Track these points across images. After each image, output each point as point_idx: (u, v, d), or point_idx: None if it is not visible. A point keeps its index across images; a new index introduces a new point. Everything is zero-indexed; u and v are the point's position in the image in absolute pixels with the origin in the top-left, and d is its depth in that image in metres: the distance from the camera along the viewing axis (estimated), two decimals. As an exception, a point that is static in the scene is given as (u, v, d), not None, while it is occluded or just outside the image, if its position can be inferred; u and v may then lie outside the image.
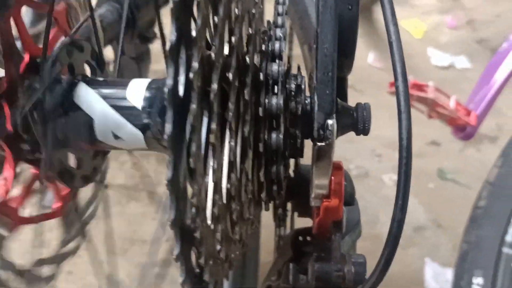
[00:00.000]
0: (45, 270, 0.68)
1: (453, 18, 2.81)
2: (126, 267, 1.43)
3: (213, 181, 0.41)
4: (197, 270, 0.45)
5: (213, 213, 0.42)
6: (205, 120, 0.43)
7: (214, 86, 0.40)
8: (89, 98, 0.55)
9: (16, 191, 0.59)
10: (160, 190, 1.67)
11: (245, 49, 0.47)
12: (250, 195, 0.49)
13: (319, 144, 0.51)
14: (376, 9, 2.61)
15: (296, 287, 0.63)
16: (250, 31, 0.50)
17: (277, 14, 0.59)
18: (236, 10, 0.46)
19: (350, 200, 0.70)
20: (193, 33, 0.38)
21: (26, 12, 0.87)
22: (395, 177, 1.94)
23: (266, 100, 0.49)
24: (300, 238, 0.71)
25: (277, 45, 0.51)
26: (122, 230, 1.53)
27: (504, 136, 2.19)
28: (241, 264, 1.25)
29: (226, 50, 0.45)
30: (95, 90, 0.55)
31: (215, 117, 0.40)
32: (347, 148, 2.00)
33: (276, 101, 0.49)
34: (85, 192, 0.79)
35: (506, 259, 1.33)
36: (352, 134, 0.57)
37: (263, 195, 0.53)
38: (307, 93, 0.55)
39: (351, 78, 0.66)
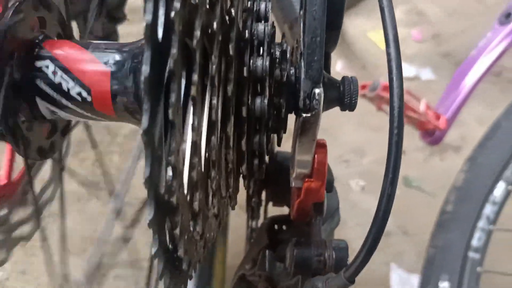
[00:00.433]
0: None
1: (418, 31, 2.86)
2: (84, 267, 1.35)
3: (192, 141, 0.37)
4: (170, 246, 0.40)
5: (191, 178, 0.38)
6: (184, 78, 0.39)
7: (197, 32, 0.36)
8: (52, 59, 0.50)
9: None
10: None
11: (229, 3, 0.44)
12: (230, 165, 0.45)
13: (304, 115, 0.48)
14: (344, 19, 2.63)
15: (273, 274, 0.58)
16: None
17: None
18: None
19: (328, 187, 0.66)
20: None
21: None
22: (362, 182, 1.94)
23: (251, 61, 0.45)
24: (276, 226, 0.67)
25: (262, 5, 0.48)
26: (81, 229, 1.45)
27: (467, 146, 2.23)
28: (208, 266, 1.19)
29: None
30: (59, 51, 0.50)
31: (197, 68, 0.36)
32: (314, 153, 1.98)
33: (261, 62, 0.45)
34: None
35: (472, 263, 1.34)
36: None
37: (243, 167, 0.49)
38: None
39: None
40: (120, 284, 1.37)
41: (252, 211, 0.74)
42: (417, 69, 2.57)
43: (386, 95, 1.42)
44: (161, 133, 0.35)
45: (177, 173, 0.36)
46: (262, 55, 0.46)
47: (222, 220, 0.50)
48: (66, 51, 0.50)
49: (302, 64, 0.47)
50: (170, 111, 0.33)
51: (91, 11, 0.67)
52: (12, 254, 0.68)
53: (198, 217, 0.42)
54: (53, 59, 0.50)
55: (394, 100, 0.44)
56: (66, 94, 0.50)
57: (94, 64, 0.48)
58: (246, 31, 0.45)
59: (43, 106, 0.52)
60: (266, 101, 0.46)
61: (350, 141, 2.01)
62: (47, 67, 0.50)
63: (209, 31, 0.39)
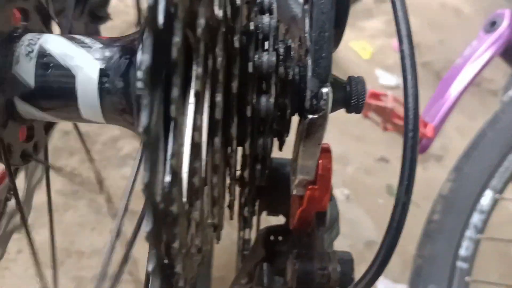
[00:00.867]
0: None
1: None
2: (61, 281, 1.28)
3: (194, 143, 0.33)
4: (166, 261, 0.36)
5: (191, 184, 0.34)
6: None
7: (201, 21, 0.32)
8: (36, 54, 0.45)
9: None
10: (101, 199, 1.53)
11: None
12: (233, 169, 0.41)
13: (310, 116, 0.44)
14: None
15: (272, 289, 0.54)
16: None
17: None
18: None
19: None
20: None
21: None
22: (346, 191, 1.91)
23: (256, 56, 0.41)
24: (272, 237, 0.63)
25: (267, -4, 0.44)
26: (58, 241, 1.38)
27: (449, 156, 2.24)
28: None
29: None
30: (45, 45, 0.45)
31: (201, 61, 0.32)
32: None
33: (267, 58, 0.41)
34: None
35: (460, 273, 1.32)
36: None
37: (245, 173, 0.44)
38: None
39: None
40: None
41: (245, 221, 0.70)
42: (398, 78, 2.58)
43: (374, 102, 1.40)
44: (161, 132, 0.30)
45: (178, 179, 0.32)
46: (268, 50, 0.42)
47: (219, 232, 0.45)
48: (51, 45, 0.45)
49: (309, 61, 0.43)
50: (172, 108, 0.29)
51: (69, 7, 0.62)
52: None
53: (197, 229, 0.37)
54: (37, 54, 0.45)
55: (409, 101, 0.41)
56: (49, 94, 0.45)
57: (82, 59, 0.43)
58: (251, 23, 0.41)
59: (22, 106, 0.47)
60: (272, 100, 0.42)
61: (333, 149, 1.99)
62: (29, 62, 0.45)
63: (210, 22, 0.36)
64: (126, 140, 1.78)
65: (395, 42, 2.84)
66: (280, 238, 0.63)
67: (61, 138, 1.65)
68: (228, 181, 0.47)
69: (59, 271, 1.31)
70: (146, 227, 0.30)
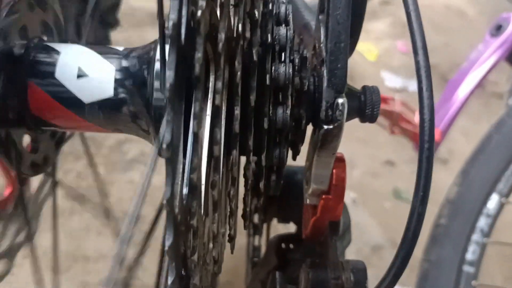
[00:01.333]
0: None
1: (404, 43, 2.88)
2: (68, 286, 1.29)
3: (214, 156, 0.33)
4: (183, 273, 0.36)
5: (211, 197, 0.34)
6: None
7: (222, 35, 0.32)
8: (56, 65, 0.45)
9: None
10: (107, 203, 1.54)
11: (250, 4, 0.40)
12: (250, 180, 0.41)
13: (326, 127, 0.44)
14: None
15: (285, 298, 0.54)
16: None
17: None
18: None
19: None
20: None
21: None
22: (352, 194, 1.91)
23: (273, 68, 0.41)
24: (283, 245, 0.63)
25: (283, 7, 0.44)
26: (64, 245, 1.38)
27: (454, 159, 2.23)
28: None
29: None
30: (62, 56, 0.45)
31: (222, 74, 0.32)
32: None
33: (284, 69, 0.41)
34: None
35: (467, 277, 1.32)
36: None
37: (261, 184, 0.44)
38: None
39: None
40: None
41: (255, 228, 0.70)
42: (403, 80, 2.58)
43: (381, 106, 1.40)
44: (181, 147, 0.31)
45: (198, 192, 0.32)
46: (284, 61, 0.42)
47: (234, 243, 0.45)
48: (71, 55, 0.45)
49: (324, 72, 0.43)
50: (193, 123, 0.29)
51: (87, 14, 0.63)
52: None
53: (215, 241, 0.37)
54: (56, 64, 0.45)
55: (425, 113, 0.41)
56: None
57: (99, 68, 0.44)
58: (269, 35, 0.42)
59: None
60: (288, 111, 0.42)
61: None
62: (50, 71, 0.45)
63: (229, 35, 0.36)
64: (132, 144, 1.79)
65: (400, 44, 2.83)
66: (291, 246, 0.63)
67: (67, 142, 1.65)
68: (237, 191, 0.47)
69: (65, 277, 1.32)
70: (167, 241, 0.30)
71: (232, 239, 0.42)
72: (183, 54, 0.29)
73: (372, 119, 0.48)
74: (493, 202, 1.36)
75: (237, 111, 0.35)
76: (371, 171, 2.03)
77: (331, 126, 0.44)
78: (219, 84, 0.32)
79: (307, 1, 0.68)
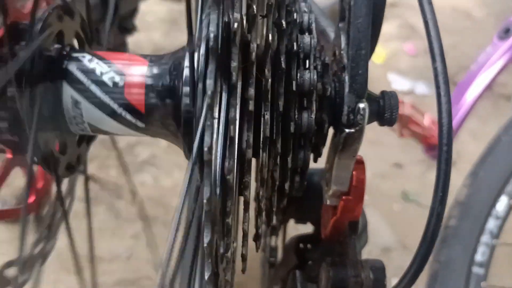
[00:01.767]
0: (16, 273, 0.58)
1: (411, 45, 2.89)
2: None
3: (247, 159, 0.35)
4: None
5: (245, 196, 0.36)
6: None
7: (254, 45, 0.34)
8: (83, 73, 0.48)
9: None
10: (119, 204, 1.56)
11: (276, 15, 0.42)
12: (277, 182, 0.43)
13: (347, 130, 0.46)
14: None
15: (305, 296, 0.56)
16: None
17: None
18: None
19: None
20: None
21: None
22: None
23: (298, 75, 0.43)
24: (301, 245, 0.65)
25: (306, 16, 0.46)
26: (78, 246, 1.40)
27: (462, 160, 2.24)
28: None
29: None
30: (92, 64, 0.48)
31: (253, 82, 0.34)
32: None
33: (309, 76, 0.43)
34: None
35: (476, 278, 1.33)
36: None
37: (286, 185, 0.46)
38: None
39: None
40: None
41: (272, 229, 0.72)
42: (411, 83, 2.58)
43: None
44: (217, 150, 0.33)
45: (233, 193, 0.34)
46: (309, 68, 0.44)
47: (259, 242, 0.48)
48: (99, 62, 0.48)
49: (346, 77, 0.45)
50: (231, 128, 0.31)
51: (108, 19, 0.65)
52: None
53: (245, 239, 0.39)
54: (89, 71, 0.47)
55: (443, 117, 0.43)
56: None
57: (132, 76, 0.46)
58: (294, 43, 0.44)
59: (73, 123, 0.49)
60: (313, 116, 0.44)
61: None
62: (83, 80, 0.47)
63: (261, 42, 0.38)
64: (143, 147, 1.81)
65: (408, 46, 2.85)
66: (309, 246, 0.65)
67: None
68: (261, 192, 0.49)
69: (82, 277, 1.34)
70: (205, 238, 0.32)
71: (259, 237, 0.44)
72: (219, 64, 0.31)
73: (390, 122, 0.50)
74: (502, 203, 1.37)
75: (267, 116, 0.37)
76: (380, 173, 2.04)
77: (352, 130, 0.46)
78: (251, 91, 0.34)
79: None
